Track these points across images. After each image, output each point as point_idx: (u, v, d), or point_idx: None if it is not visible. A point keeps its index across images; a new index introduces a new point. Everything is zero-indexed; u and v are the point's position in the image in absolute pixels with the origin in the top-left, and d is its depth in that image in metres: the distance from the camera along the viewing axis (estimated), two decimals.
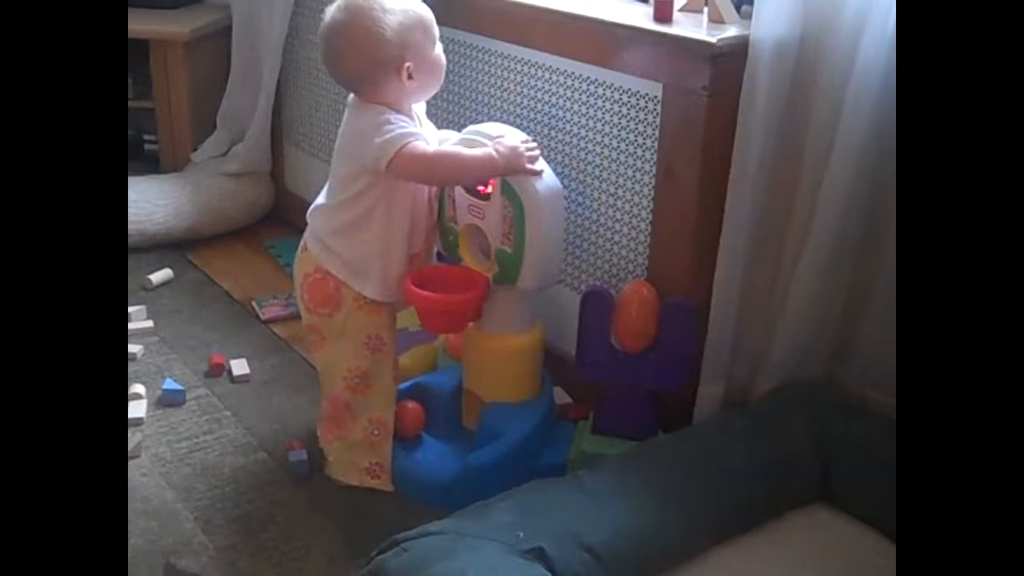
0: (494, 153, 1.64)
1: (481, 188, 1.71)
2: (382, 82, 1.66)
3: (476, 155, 1.66)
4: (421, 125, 1.74)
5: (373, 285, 1.73)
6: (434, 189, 1.77)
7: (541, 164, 1.68)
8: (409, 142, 1.63)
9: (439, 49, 1.71)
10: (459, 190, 1.74)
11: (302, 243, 1.80)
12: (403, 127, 1.64)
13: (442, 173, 1.70)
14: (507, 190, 1.67)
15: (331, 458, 1.82)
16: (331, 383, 1.80)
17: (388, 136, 1.63)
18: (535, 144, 1.69)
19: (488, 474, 1.69)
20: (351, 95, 1.72)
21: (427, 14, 1.69)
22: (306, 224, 1.81)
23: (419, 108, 1.77)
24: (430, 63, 1.70)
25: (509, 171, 1.65)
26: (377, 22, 1.64)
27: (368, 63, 1.65)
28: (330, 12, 1.68)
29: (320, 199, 1.79)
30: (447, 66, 1.73)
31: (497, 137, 1.67)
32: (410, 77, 1.66)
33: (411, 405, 1.83)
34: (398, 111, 1.68)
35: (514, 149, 1.64)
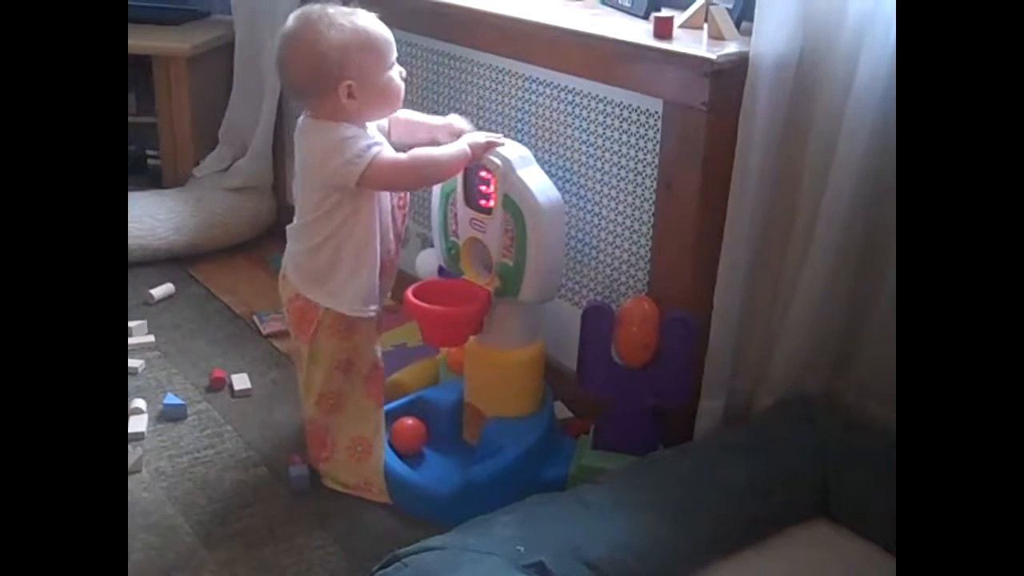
0: (467, 148, 1.68)
1: (483, 202, 1.72)
2: (322, 97, 1.66)
3: (451, 151, 1.69)
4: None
5: (351, 300, 1.73)
6: (396, 197, 1.77)
7: (537, 172, 1.69)
8: (377, 153, 1.64)
9: (393, 73, 1.69)
10: (461, 203, 1.75)
11: (282, 270, 1.81)
12: (364, 140, 1.65)
13: (421, 174, 1.72)
14: (509, 204, 1.68)
15: (324, 477, 1.84)
16: (307, 406, 1.82)
17: (352, 152, 1.63)
18: (503, 139, 1.72)
19: (488, 488, 1.69)
20: (299, 119, 1.72)
21: (381, 37, 1.68)
22: None
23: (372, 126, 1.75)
24: (377, 87, 1.68)
25: (478, 158, 1.69)
26: (319, 37, 1.64)
27: (307, 76, 1.66)
28: (288, 19, 1.70)
29: (294, 222, 1.78)
30: (452, 81, 1.74)
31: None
32: (350, 96, 1.64)
33: (411, 422, 1.83)
34: (349, 123, 1.67)
35: (485, 143, 1.69)
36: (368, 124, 1.72)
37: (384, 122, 1.79)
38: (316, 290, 1.74)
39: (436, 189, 1.80)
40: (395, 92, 1.71)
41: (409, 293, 1.73)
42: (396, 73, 1.71)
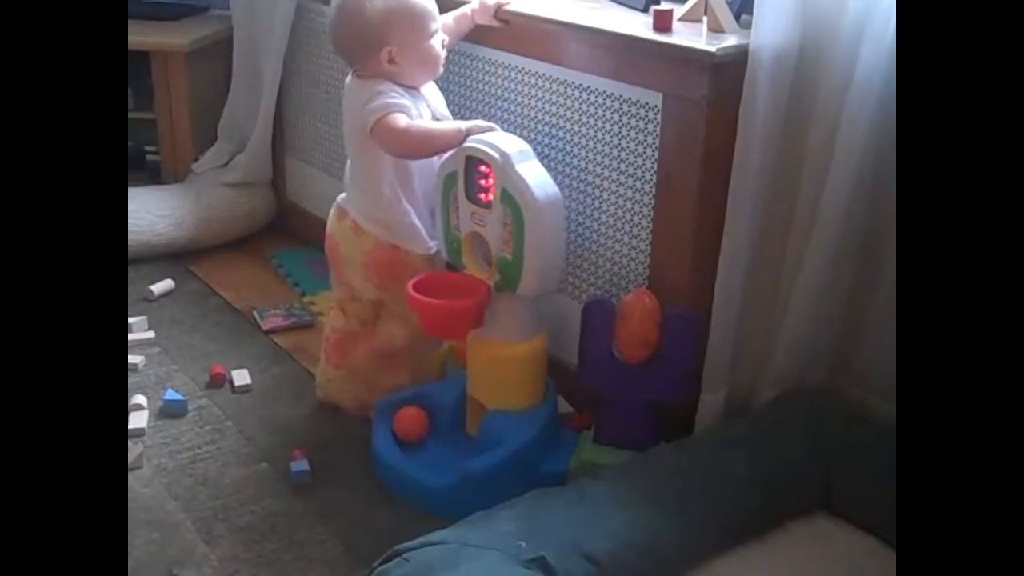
0: (461, 127, 1.76)
1: (482, 196, 1.72)
2: (366, 60, 1.83)
3: (444, 128, 1.81)
4: (427, 105, 1.87)
5: (423, 240, 1.89)
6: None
7: (536, 167, 1.71)
8: (391, 112, 1.78)
9: (435, 41, 1.84)
10: (462, 197, 1.75)
11: (348, 226, 1.92)
12: (392, 97, 1.79)
13: (413, 142, 1.80)
14: (506, 198, 1.68)
15: (329, 384, 2.00)
16: (389, 336, 1.95)
17: (375, 103, 1.78)
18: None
19: (486, 481, 1.69)
20: (347, 77, 1.88)
21: (421, 6, 1.82)
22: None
23: (430, 91, 1.91)
24: (416, 53, 1.83)
25: (472, 133, 1.75)
26: (364, 6, 1.80)
27: (352, 39, 1.84)
28: None
29: (347, 178, 1.94)
30: (451, 76, 1.78)
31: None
32: (391, 61, 1.81)
33: (414, 411, 1.84)
34: (394, 84, 1.82)
35: (477, 125, 1.76)
36: (423, 89, 1.88)
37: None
38: (393, 235, 1.89)
39: (438, 182, 1.80)
40: (434, 58, 1.86)
41: (410, 287, 1.74)
42: (437, 41, 1.85)
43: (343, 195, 1.96)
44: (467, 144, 1.73)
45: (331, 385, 2.02)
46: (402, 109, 1.79)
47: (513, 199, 1.67)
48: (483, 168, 1.71)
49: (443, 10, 1.95)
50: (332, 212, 1.97)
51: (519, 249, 1.69)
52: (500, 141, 1.71)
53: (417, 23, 1.82)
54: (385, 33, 1.81)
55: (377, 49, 1.81)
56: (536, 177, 1.69)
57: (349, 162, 1.93)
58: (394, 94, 1.80)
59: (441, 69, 1.89)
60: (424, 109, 1.86)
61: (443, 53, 1.87)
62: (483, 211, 1.73)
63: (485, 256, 1.77)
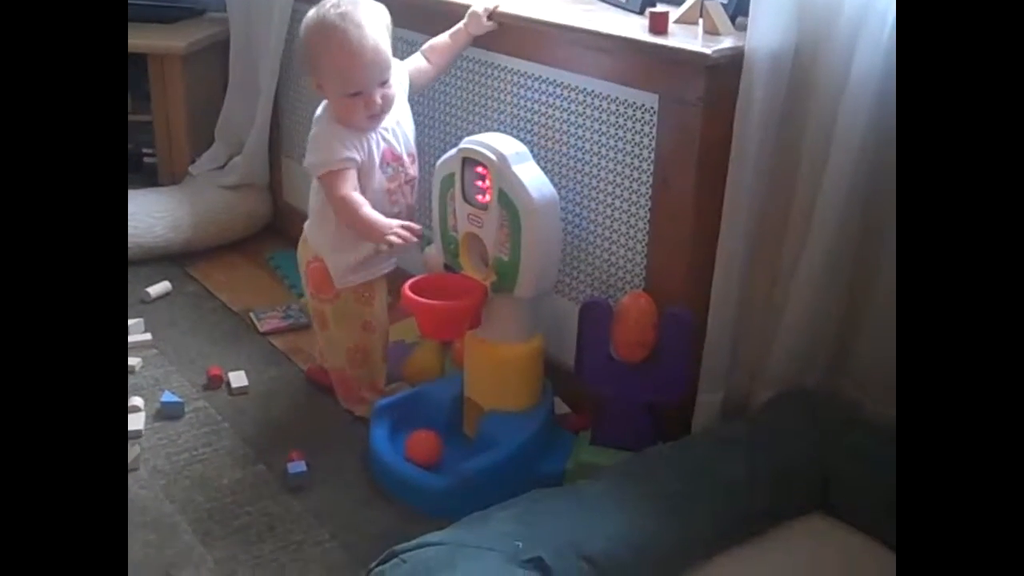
0: (385, 230, 1.77)
1: (479, 197, 1.72)
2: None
3: (371, 218, 1.79)
4: (375, 144, 1.86)
5: (337, 274, 1.91)
6: (390, 180, 1.88)
7: (533, 168, 1.72)
8: (339, 169, 1.80)
9: (356, 100, 1.79)
10: (459, 198, 1.75)
11: (303, 234, 1.99)
12: (337, 151, 1.80)
13: (340, 209, 1.83)
14: (503, 199, 1.68)
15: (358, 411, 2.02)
16: (334, 360, 2.02)
17: (321, 156, 1.82)
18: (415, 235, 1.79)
19: (482, 482, 1.69)
20: None
21: (345, 58, 1.76)
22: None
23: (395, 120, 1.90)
24: (335, 100, 1.82)
25: (388, 243, 1.78)
26: (308, 16, 1.82)
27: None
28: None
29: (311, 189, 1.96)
30: (448, 78, 1.78)
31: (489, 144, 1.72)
32: (319, 89, 1.83)
33: (426, 435, 1.83)
34: (341, 122, 1.83)
35: (406, 232, 1.77)
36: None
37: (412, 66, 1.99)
38: (322, 249, 1.92)
39: (435, 184, 1.81)
40: (352, 116, 1.82)
41: (406, 288, 1.75)
42: (362, 101, 1.79)
43: None
44: (464, 145, 1.74)
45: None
46: (347, 165, 1.81)
47: (510, 200, 1.67)
48: (480, 169, 1.71)
49: (444, 16, 1.95)
50: None
51: (516, 250, 1.69)
52: (497, 142, 1.71)
53: (324, 67, 1.80)
54: (308, 60, 1.83)
55: (308, 71, 1.84)
56: (533, 178, 1.69)
57: None
58: (337, 144, 1.80)
59: (377, 121, 1.84)
60: (372, 147, 1.84)
61: (372, 112, 1.80)
62: (480, 212, 1.73)
63: (482, 257, 1.77)
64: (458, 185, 1.75)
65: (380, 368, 2.02)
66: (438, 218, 1.83)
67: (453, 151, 1.77)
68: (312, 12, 1.82)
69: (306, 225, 1.98)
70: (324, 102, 1.87)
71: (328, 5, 1.81)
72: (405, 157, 1.91)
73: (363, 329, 1.96)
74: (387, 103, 1.83)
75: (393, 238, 1.77)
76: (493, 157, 1.69)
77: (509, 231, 1.69)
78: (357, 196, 1.81)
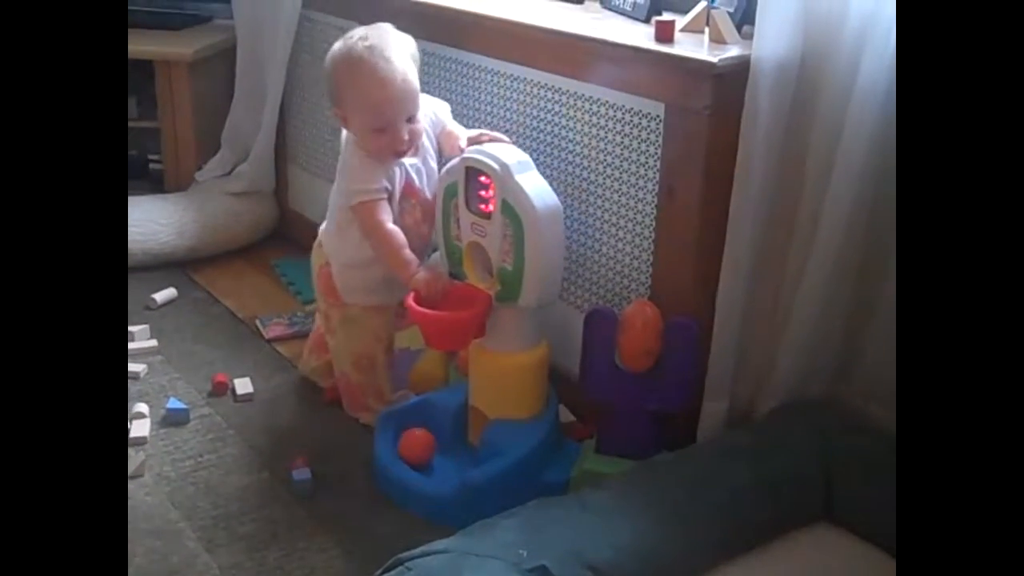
0: (415, 276, 1.76)
1: (483, 206, 1.72)
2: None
3: (400, 255, 1.79)
4: (397, 178, 1.85)
5: (355, 295, 1.93)
6: (409, 215, 1.88)
7: (536, 177, 1.72)
8: (375, 200, 1.81)
9: (381, 136, 1.78)
10: (463, 207, 1.76)
11: (318, 238, 2.00)
12: (371, 182, 1.81)
13: (372, 238, 1.84)
14: (507, 209, 1.68)
15: (312, 372, 2.11)
16: (342, 365, 2.01)
17: (359, 186, 1.82)
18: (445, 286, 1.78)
19: (486, 491, 1.69)
20: None
21: (379, 99, 1.76)
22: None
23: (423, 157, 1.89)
24: (360, 132, 1.81)
25: (412, 287, 1.77)
26: (334, 47, 1.81)
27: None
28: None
29: (331, 201, 1.97)
30: (454, 86, 1.79)
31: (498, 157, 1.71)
32: (345, 121, 1.84)
33: (419, 432, 1.83)
34: (367, 152, 1.82)
35: (431, 285, 1.76)
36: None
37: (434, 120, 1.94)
38: (338, 270, 1.94)
39: (440, 193, 1.81)
40: (377, 150, 1.81)
41: (410, 299, 1.74)
42: (388, 136, 1.78)
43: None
44: (467, 155, 1.75)
45: (313, 373, 2.15)
46: (382, 196, 1.81)
47: (513, 210, 1.67)
48: (483, 179, 1.71)
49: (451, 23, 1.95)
50: None
51: (519, 260, 1.69)
52: (500, 152, 1.71)
53: (350, 101, 1.79)
54: (334, 92, 1.82)
55: (334, 103, 1.84)
56: (536, 188, 1.69)
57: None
58: (371, 175, 1.80)
59: (397, 159, 1.83)
60: (397, 178, 1.84)
61: (398, 148, 1.79)
62: (483, 221, 1.73)
63: (486, 266, 1.77)
64: (462, 194, 1.76)
65: (385, 377, 2.01)
66: (442, 227, 1.83)
67: (456, 160, 1.77)
68: (339, 44, 1.81)
69: (322, 229, 1.99)
70: (348, 151, 1.87)
71: (356, 37, 1.79)
72: (428, 194, 1.89)
73: (370, 337, 1.97)
74: (414, 139, 1.82)
75: (417, 284, 1.76)
76: (496, 166, 1.69)
77: (512, 240, 1.69)
78: (399, 233, 1.81)
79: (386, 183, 1.82)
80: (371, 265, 1.89)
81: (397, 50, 1.78)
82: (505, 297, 1.74)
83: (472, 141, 1.82)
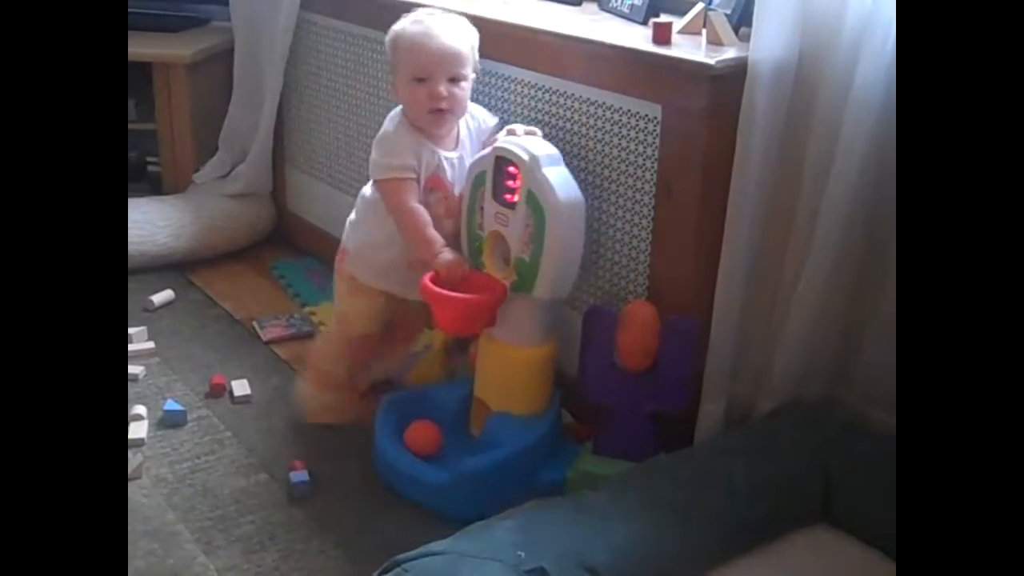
0: (438, 255, 1.78)
1: (508, 196, 1.74)
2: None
3: (426, 234, 1.80)
4: (430, 162, 1.84)
5: (354, 262, 1.94)
6: (440, 205, 1.87)
7: (563, 171, 1.73)
8: (403, 179, 1.81)
9: (414, 87, 1.80)
10: (488, 196, 1.78)
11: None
12: (399, 157, 1.81)
13: (398, 219, 1.84)
14: (531, 199, 1.70)
15: (309, 404, 2.03)
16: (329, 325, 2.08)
17: (384, 161, 1.83)
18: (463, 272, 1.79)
19: (483, 480, 1.70)
20: None
21: (408, 43, 1.80)
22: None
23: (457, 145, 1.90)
24: (400, 89, 1.84)
25: (434, 267, 1.78)
26: (396, 25, 1.84)
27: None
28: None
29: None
30: None
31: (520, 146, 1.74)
32: (394, 89, 1.86)
33: (425, 425, 1.84)
34: (413, 122, 1.83)
35: (452, 267, 1.77)
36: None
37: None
38: (348, 244, 1.96)
39: (468, 181, 1.83)
40: (413, 104, 1.81)
41: (426, 279, 1.76)
42: (423, 90, 1.79)
43: None
44: (498, 144, 1.77)
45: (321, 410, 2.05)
46: (410, 175, 1.81)
47: (537, 201, 1.69)
48: (511, 169, 1.73)
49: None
50: None
51: (537, 250, 1.71)
52: (530, 144, 1.74)
53: (399, 57, 1.83)
54: (390, 60, 1.86)
55: (392, 74, 1.86)
56: (562, 181, 1.71)
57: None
58: (404, 150, 1.81)
59: (441, 121, 1.83)
60: (426, 162, 1.84)
61: (435, 105, 1.79)
62: (507, 211, 1.75)
63: (504, 256, 1.79)
64: (489, 183, 1.77)
65: (343, 364, 2.01)
66: (466, 215, 1.83)
67: (487, 150, 1.79)
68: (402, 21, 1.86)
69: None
70: (391, 117, 1.88)
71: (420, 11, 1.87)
72: (456, 191, 1.88)
73: (338, 317, 2.00)
74: (455, 102, 1.81)
75: (439, 263, 1.77)
76: (525, 157, 1.71)
77: (533, 231, 1.71)
78: (423, 212, 1.82)
79: (414, 163, 1.82)
80: (386, 247, 1.89)
81: (450, 21, 1.84)
82: (520, 287, 1.75)
83: (508, 132, 1.84)
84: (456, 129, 1.88)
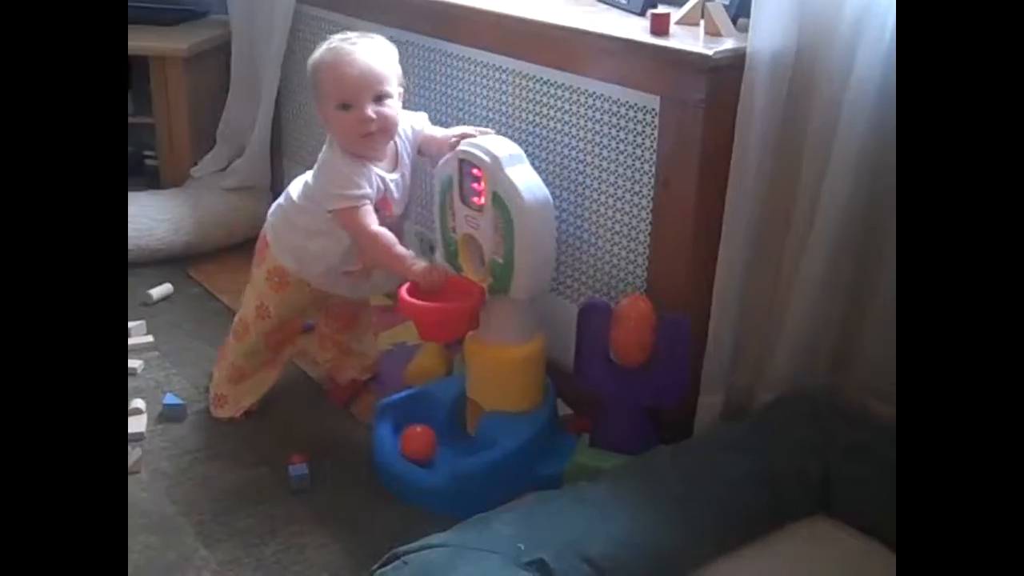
0: (412, 267, 1.76)
1: (475, 199, 1.73)
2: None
3: (395, 253, 1.79)
4: (374, 181, 1.82)
5: (314, 277, 1.90)
6: (386, 227, 1.84)
7: (526, 170, 1.71)
8: (361, 205, 1.79)
9: (342, 112, 1.78)
10: (457, 200, 1.76)
11: (272, 206, 2.00)
12: (354, 188, 1.79)
13: (370, 247, 1.82)
14: (497, 201, 1.69)
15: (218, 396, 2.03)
16: (241, 310, 2.02)
17: (342, 191, 1.79)
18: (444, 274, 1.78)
19: (480, 481, 1.70)
20: None
21: (329, 67, 1.79)
22: None
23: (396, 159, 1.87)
24: (325, 118, 1.83)
25: (412, 279, 1.76)
26: (310, 61, 1.82)
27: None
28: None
29: (297, 184, 1.94)
30: (448, 79, 1.77)
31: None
32: (323, 118, 1.84)
33: (421, 430, 1.83)
34: (346, 148, 1.81)
35: (429, 275, 1.75)
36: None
37: (412, 130, 1.90)
38: (279, 246, 1.93)
39: (436, 186, 1.81)
40: (342, 132, 1.80)
41: (403, 291, 1.75)
42: (352, 115, 1.77)
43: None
44: (460, 148, 1.75)
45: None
46: (366, 202, 1.79)
47: (503, 201, 1.68)
48: (475, 171, 1.72)
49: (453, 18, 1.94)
50: None
51: (509, 251, 1.69)
52: (491, 144, 1.72)
53: (321, 87, 1.80)
54: (313, 90, 1.84)
55: (316, 102, 1.84)
56: (526, 180, 1.69)
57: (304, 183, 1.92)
58: (354, 178, 1.78)
59: (373, 144, 1.80)
60: (376, 186, 1.82)
61: (365, 129, 1.77)
62: (476, 214, 1.74)
63: (480, 259, 1.78)
64: (456, 187, 1.76)
65: (244, 356, 1.99)
66: (439, 220, 1.83)
67: (450, 153, 1.77)
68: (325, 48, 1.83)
69: (278, 207, 1.98)
70: (327, 152, 1.86)
71: (335, 38, 1.83)
72: (396, 210, 1.88)
73: (259, 310, 1.95)
74: (384, 122, 1.78)
75: (417, 274, 1.76)
76: (487, 159, 1.69)
77: (503, 233, 1.70)
78: (387, 233, 1.80)
79: (371, 191, 1.80)
80: (319, 258, 1.88)
81: (370, 43, 1.81)
82: (497, 289, 1.74)
83: (462, 137, 1.80)
84: (394, 146, 1.86)
